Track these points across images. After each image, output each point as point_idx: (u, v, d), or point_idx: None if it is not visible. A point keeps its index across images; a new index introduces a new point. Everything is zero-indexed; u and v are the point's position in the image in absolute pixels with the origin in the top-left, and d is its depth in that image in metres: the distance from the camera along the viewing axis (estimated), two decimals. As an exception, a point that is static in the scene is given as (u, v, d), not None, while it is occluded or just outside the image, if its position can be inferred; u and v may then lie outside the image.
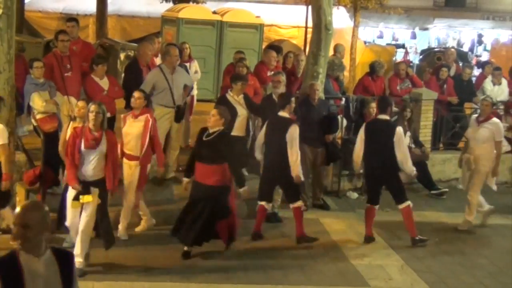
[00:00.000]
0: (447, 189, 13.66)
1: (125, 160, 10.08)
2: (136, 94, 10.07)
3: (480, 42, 37.55)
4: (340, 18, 24.66)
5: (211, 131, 9.55)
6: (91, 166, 8.78)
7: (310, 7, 14.13)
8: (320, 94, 12.26)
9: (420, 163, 12.73)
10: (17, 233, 4.61)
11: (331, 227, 11.43)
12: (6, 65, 10.34)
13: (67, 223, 9.02)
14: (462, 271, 9.94)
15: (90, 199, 8.75)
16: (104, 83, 11.24)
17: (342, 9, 25.80)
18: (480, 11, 37.36)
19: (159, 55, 13.06)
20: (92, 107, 8.79)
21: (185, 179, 9.89)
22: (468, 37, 37.56)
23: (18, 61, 11.56)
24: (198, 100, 14.73)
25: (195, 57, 14.42)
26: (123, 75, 12.67)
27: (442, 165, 12.61)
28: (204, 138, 9.54)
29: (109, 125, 11.03)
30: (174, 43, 12.93)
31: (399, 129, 10.54)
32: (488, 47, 35.60)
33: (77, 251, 8.68)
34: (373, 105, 12.35)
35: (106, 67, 11.50)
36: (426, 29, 35.93)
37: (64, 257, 4.83)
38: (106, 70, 11.47)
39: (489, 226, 11.93)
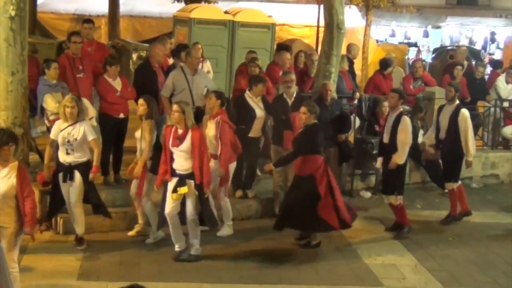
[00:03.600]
0: (460, 188, 13.61)
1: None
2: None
3: (493, 40, 37.37)
4: (352, 17, 24.61)
5: (303, 124, 10.26)
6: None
7: (322, 6, 14.09)
8: (333, 94, 12.25)
9: (434, 162, 12.69)
10: None
11: (345, 226, 11.40)
12: (20, 66, 10.39)
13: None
14: (476, 270, 9.92)
15: (186, 190, 9.31)
16: (117, 83, 11.25)
17: (354, 8, 25.73)
18: (492, 9, 37.18)
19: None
20: (174, 106, 9.45)
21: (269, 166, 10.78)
22: (480, 35, 37.39)
23: (31, 62, 11.60)
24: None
25: (207, 57, 14.41)
26: (134, 75, 12.67)
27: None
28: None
29: (123, 125, 11.12)
30: (197, 43, 12.87)
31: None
32: (501, 45, 35.40)
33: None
34: (386, 104, 12.32)
35: (119, 68, 11.52)
36: (439, 27, 35.80)
37: None
38: (119, 71, 11.49)
39: (504, 225, 11.90)
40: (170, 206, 9.41)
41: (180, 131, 9.35)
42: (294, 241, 10.46)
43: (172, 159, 9.44)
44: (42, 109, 10.63)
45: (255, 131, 11.49)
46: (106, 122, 11.16)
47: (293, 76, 11.78)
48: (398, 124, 10.91)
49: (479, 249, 10.79)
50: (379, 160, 11.37)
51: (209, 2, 24.01)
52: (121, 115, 11.17)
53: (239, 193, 11.66)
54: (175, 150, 9.38)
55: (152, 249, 9.85)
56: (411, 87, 14.63)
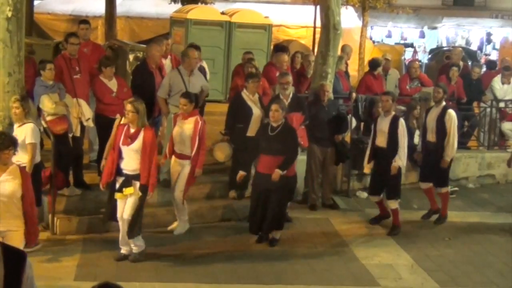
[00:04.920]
0: (457, 188, 13.65)
1: (174, 158, 10.51)
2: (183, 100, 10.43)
3: (489, 41, 37.46)
4: (348, 17, 24.63)
5: (275, 125, 10.16)
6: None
7: (318, 7, 14.12)
8: (329, 94, 12.28)
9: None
10: None
11: (341, 226, 11.43)
12: (16, 67, 10.37)
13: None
14: (473, 270, 9.93)
15: (131, 191, 9.25)
16: (113, 84, 11.25)
17: (350, 9, 25.79)
18: (489, 10, 37.23)
19: (168, 57, 13.04)
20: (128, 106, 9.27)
21: (242, 172, 10.66)
22: (477, 36, 37.48)
23: (28, 63, 11.58)
24: (207, 101, 14.73)
25: (204, 58, 14.41)
26: (131, 76, 12.67)
27: (452, 164, 12.55)
28: (270, 133, 10.19)
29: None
30: (195, 45, 12.87)
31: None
32: (497, 46, 35.50)
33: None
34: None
35: (114, 68, 11.51)
36: (435, 28, 35.88)
37: (13, 258, 4.42)
38: (115, 72, 11.48)
39: (500, 225, 11.92)
40: (120, 208, 9.38)
41: (132, 130, 9.28)
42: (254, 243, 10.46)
43: (120, 158, 9.36)
44: (39, 110, 10.61)
45: (252, 130, 11.48)
46: (103, 123, 11.15)
47: (290, 78, 11.80)
48: (395, 128, 10.93)
49: (475, 249, 10.81)
50: (369, 165, 11.38)
51: (206, 3, 24.02)
52: (117, 116, 11.15)
53: (232, 193, 11.66)
54: (125, 149, 9.28)
55: (149, 250, 9.84)
56: (407, 87, 14.64)
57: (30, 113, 9.41)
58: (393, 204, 11.22)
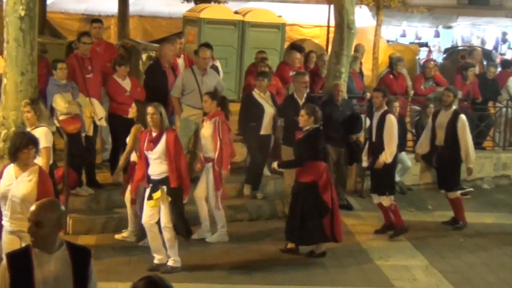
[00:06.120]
0: (472, 189, 13.54)
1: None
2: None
3: (504, 40, 37.23)
4: (362, 17, 24.50)
5: (304, 130, 9.90)
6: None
7: (332, 6, 14.04)
8: (343, 94, 12.22)
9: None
10: (29, 230, 4.66)
11: (355, 227, 11.38)
12: (29, 66, 10.36)
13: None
14: (487, 271, 9.86)
15: (158, 195, 9.05)
16: (127, 84, 11.24)
17: (364, 8, 25.61)
18: (504, 9, 36.97)
19: (181, 56, 13.01)
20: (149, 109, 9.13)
21: (274, 164, 10.44)
22: (492, 35, 37.24)
23: (41, 62, 11.56)
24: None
25: (217, 57, 14.37)
26: (144, 76, 12.66)
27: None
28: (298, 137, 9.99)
29: (132, 126, 11.10)
30: (206, 44, 12.83)
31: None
32: (512, 45, 35.34)
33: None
34: (396, 104, 12.25)
35: (129, 68, 11.49)
36: (450, 27, 35.67)
37: (79, 255, 4.82)
38: (128, 71, 11.46)
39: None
40: (147, 215, 9.17)
41: (154, 134, 9.09)
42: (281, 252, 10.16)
43: (147, 166, 9.18)
44: (52, 109, 10.60)
45: (265, 128, 11.45)
46: (116, 122, 11.14)
47: (308, 78, 11.76)
48: (383, 123, 10.84)
49: (490, 250, 10.73)
50: (365, 159, 11.30)
51: (219, 2, 23.95)
52: (131, 115, 11.13)
53: (247, 190, 11.61)
54: (149, 154, 9.11)
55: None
56: (422, 87, 14.56)
57: (42, 115, 9.20)
58: (385, 202, 11.00)
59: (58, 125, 10.60)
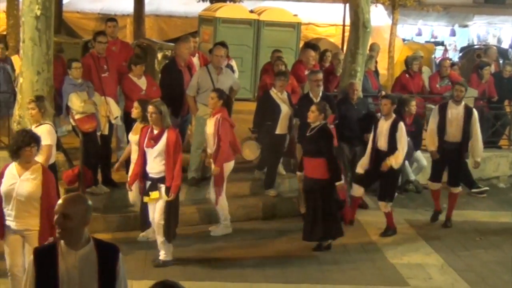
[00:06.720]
0: (487, 188, 13.48)
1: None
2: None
3: (520, 39, 37.03)
4: (378, 15, 24.48)
5: (312, 125, 9.96)
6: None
7: (347, 5, 14.03)
8: (359, 93, 12.19)
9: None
10: (57, 221, 4.68)
11: (370, 225, 11.35)
12: (45, 65, 10.43)
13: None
14: (503, 270, 9.82)
15: (157, 196, 9.17)
16: (142, 83, 11.27)
17: (380, 7, 25.58)
18: (520, 8, 36.82)
19: (196, 54, 13.04)
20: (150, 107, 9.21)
21: (298, 173, 10.42)
22: (508, 34, 37.04)
23: (57, 61, 11.64)
24: (235, 99, 14.71)
25: (232, 56, 14.40)
26: (160, 75, 12.68)
27: (483, 164, 12.43)
28: (307, 134, 10.03)
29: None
30: (221, 42, 12.83)
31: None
32: (529, 44, 35.11)
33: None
34: (413, 103, 12.25)
35: (144, 67, 11.52)
36: (466, 26, 35.50)
37: (106, 252, 4.83)
38: (144, 70, 11.49)
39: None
40: (151, 211, 9.39)
41: (155, 132, 9.16)
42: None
43: (145, 162, 9.26)
44: (68, 108, 10.65)
45: (281, 128, 11.46)
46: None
47: (321, 76, 11.75)
48: (395, 131, 10.75)
49: (506, 249, 10.68)
50: (362, 165, 11.19)
51: (234, 1, 23.98)
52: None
53: (272, 192, 11.64)
54: (149, 151, 9.18)
55: (177, 249, 9.80)
56: (438, 86, 14.53)
57: (47, 113, 9.20)
58: (385, 207, 10.98)
59: (74, 124, 10.65)
